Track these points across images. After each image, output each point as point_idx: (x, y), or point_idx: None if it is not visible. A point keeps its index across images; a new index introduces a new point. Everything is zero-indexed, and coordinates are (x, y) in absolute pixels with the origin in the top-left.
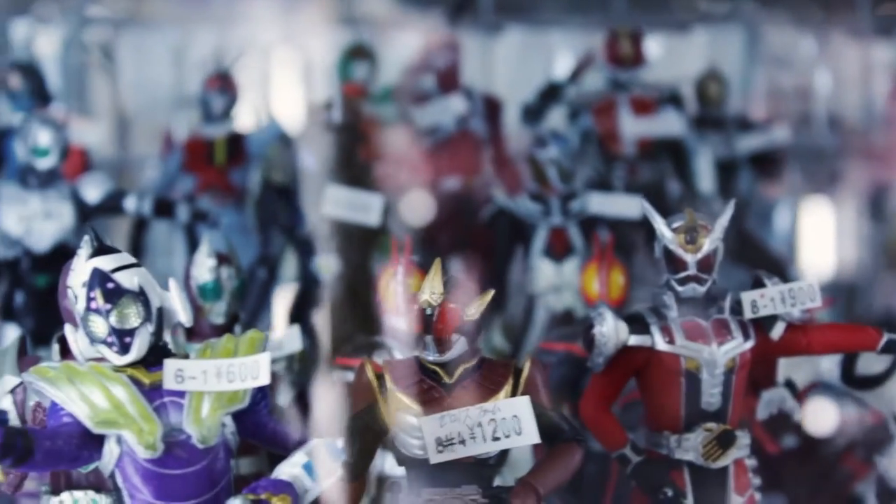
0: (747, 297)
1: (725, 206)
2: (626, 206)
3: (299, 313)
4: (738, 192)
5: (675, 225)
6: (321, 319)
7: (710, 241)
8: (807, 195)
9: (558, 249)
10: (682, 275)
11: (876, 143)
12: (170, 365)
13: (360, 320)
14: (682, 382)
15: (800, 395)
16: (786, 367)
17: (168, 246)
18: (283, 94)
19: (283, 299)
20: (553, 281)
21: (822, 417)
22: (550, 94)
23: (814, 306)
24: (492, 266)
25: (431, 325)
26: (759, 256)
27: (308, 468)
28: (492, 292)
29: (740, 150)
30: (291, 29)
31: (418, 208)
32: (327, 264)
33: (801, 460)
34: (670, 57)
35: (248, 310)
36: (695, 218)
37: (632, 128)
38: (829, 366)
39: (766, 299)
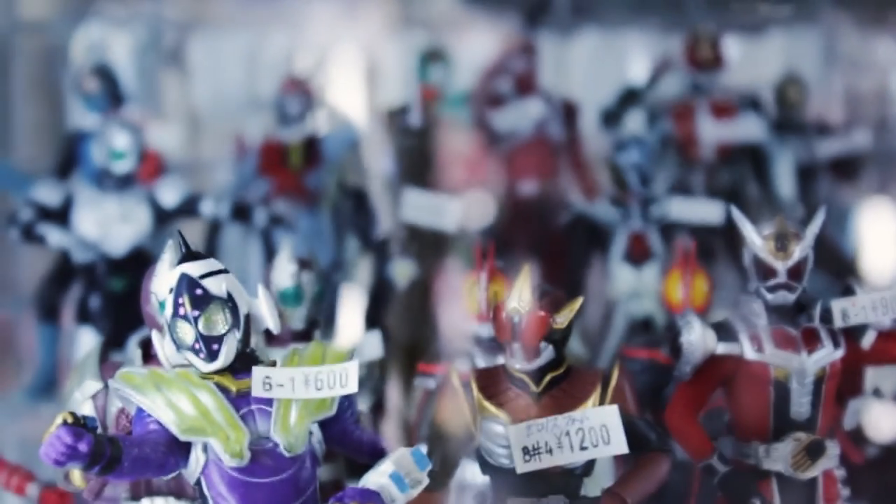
0: (837, 305)
1: (807, 213)
2: (708, 211)
3: (375, 319)
4: (817, 197)
5: (766, 232)
6: (397, 325)
7: (801, 249)
8: (883, 200)
9: (638, 255)
10: (772, 282)
11: None
12: (258, 372)
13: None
14: (770, 391)
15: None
16: (874, 376)
17: (242, 250)
18: (352, 96)
19: (359, 305)
20: (632, 286)
21: (883, 424)
22: (629, 98)
23: None
24: (569, 271)
25: (519, 332)
26: (836, 262)
27: (395, 477)
28: (580, 300)
29: (820, 155)
30: (359, 31)
31: (489, 212)
32: (404, 269)
33: (882, 469)
34: (745, 60)
35: (324, 315)
36: (785, 225)
37: (711, 132)
38: None
39: (857, 308)
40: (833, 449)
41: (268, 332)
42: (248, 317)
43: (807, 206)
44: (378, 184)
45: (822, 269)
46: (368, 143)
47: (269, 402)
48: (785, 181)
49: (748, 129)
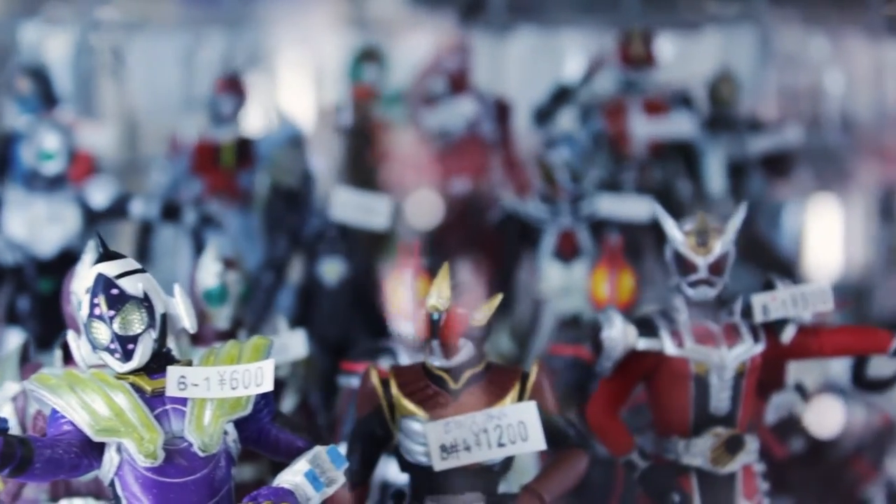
0: (758, 300)
1: (736, 208)
2: (636, 208)
3: (305, 318)
4: (748, 193)
5: (687, 227)
6: (327, 324)
7: (722, 244)
8: (817, 195)
9: (567, 252)
10: (693, 278)
11: (888, 143)
12: (173, 372)
13: (366, 325)
14: (690, 387)
15: (810, 398)
16: (796, 371)
17: (174, 250)
18: (294, 96)
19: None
20: (561, 283)
21: (828, 419)
22: (561, 95)
23: (825, 309)
24: (500, 269)
25: (438, 329)
26: (768, 258)
27: (311, 476)
28: (500, 297)
29: (752, 151)
30: (302, 31)
31: (426, 211)
32: (333, 268)
33: (809, 464)
34: (681, 57)
35: (253, 314)
36: (706, 220)
37: (643, 129)
38: (839, 369)
39: (778, 302)
40: (752, 444)
41: (193, 333)
42: (164, 316)
43: (738, 202)
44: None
45: (756, 265)
46: (312, 142)
47: (184, 401)
48: (716, 178)
49: (679, 126)
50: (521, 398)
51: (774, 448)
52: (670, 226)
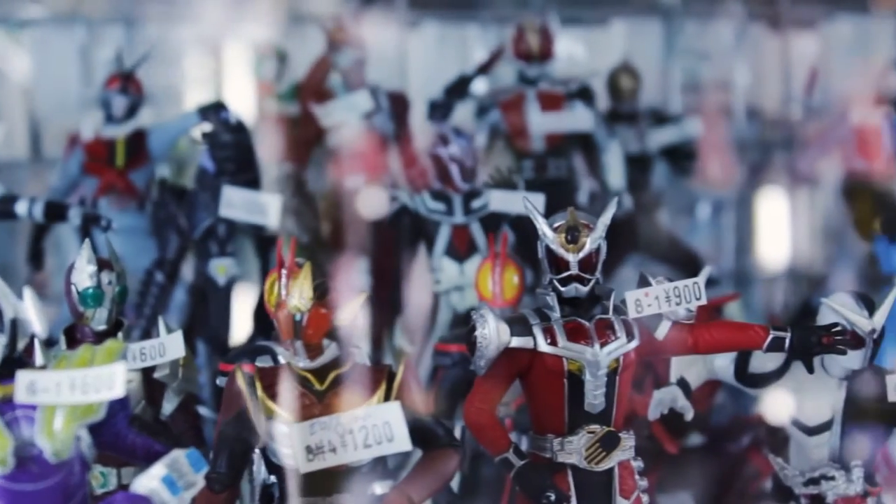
0: (631, 296)
1: (649, 201)
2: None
3: (195, 317)
4: (651, 186)
5: (557, 224)
6: (218, 323)
7: (592, 240)
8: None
9: (461, 248)
10: (564, 274)
11: (796, 134)
12: (22, 377)
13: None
14: (564, 384)
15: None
16: (679, 366)
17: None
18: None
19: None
20: (456, 280)
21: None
22: (458, 88)
23: (699, 304)
24: (395, 266)
25: (301, 330)
26: (673, 251)
27: (168, 480)
28: (364, 296)
29: (653, 144)
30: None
31: (382, 205)
32: (223, 267)
33: (705, 458)
34: (590, 51)
35: (145, 315)
36: (576, 217)
37: (539, 123)
38: (723, 363)
39: (651, 298)
40: (628, 441)
41: (71, 336)
42: (14, 321)
43: (640, 196)
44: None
45: (661, 260)
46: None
47: (34, 407)
48: (615, 171)
49: (576, 119)
50: (387, 398)
51: (666, 444)
52: (541, 222)
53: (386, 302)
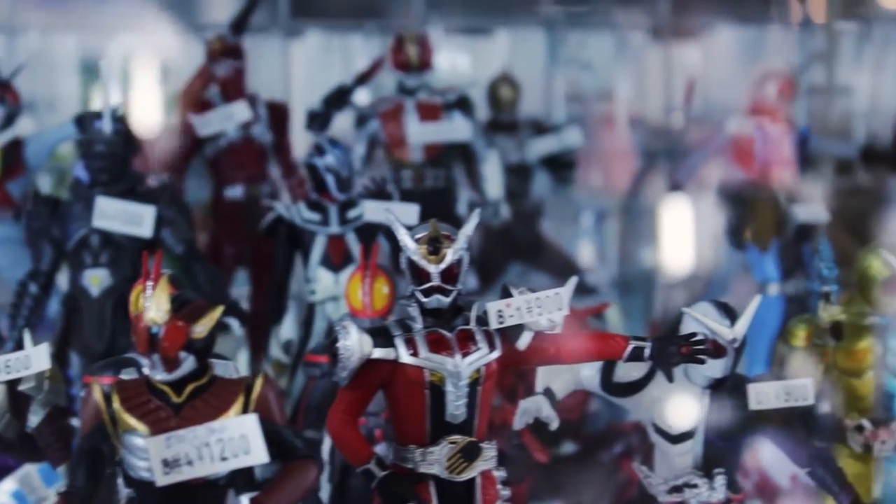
0: (493, 307)
1: (530, 210)
2: (403, 214)
3: (69, 329)
4: (531, 195)
5: (418, 235)
6: (91, 335)
7: (454, 252)
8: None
9: (336, 258)
10: (426, 286)
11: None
12: None
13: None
14: (426, 395)
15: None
16: (545, 376)
17: None
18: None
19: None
20: (331, 290)
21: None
22: (336, 99)
23: (561, 314)
24: (272, 275)
25: (158, 343)
26: (553, 260)
27: (18, 496)
28: (220, 309)
29: (532, 154)
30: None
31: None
32: (97, 277)
33: (578, 466)
34: (475, 61)
35: (19, 326)
36: (438, 228)
37: (418, 133)
38: (589, 373)
39: (512, 309)
40: (490, 451)
41: None
42: None
43: (520, 205)
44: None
45: (541, 268)
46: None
47: None
48: (493, 181)
49: (454, 129)
50: (245, 411)
51: (536, 452)
52: (402, 234)
53: (262, 312)
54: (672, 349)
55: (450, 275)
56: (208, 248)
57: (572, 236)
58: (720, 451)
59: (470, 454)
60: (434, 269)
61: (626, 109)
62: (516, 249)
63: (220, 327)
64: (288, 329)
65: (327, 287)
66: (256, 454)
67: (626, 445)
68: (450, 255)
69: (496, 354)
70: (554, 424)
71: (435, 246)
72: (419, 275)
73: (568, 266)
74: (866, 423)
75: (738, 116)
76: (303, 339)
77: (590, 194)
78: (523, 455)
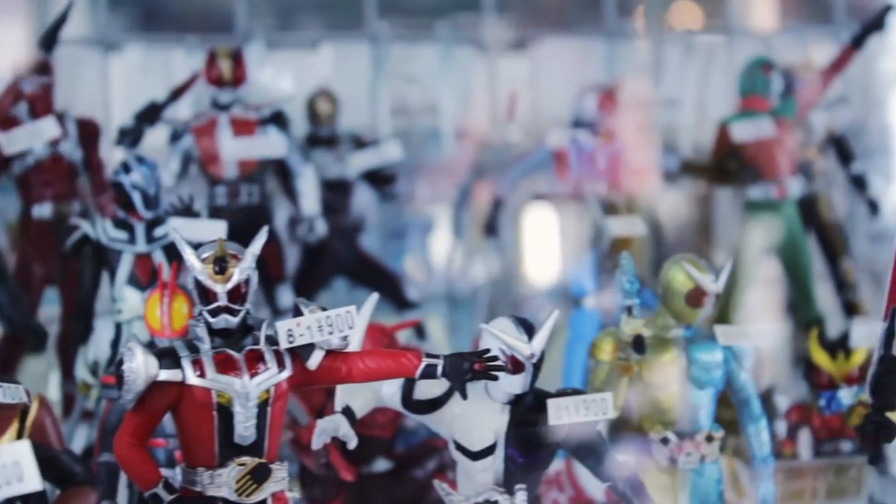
0: (283, 326)
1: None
2: (210, 230)
3: None
4: (352, 210)
5: (205, 255)
6: None
7: (241, 271)
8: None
9: (143, 277)
10: (213, 306)
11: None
12: None
13: None
14: (214, 417)
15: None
16: (344, 394)
17: None
18: None
19: None
20: (138, 310)
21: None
22: (148, 114)
23: (352, 333)
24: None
25: None
26: (374, 275)
27: None
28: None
29: (351, 169)
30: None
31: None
32: None
33: (392, 484)
34: (298, 75)
35: None
36: (224, 247)
37: (231, 149)
38: (389, 391)
39: (303, 328)
40: (280, 472)
41: None
42: None
43: (340, 220)
44: None
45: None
46: None
47: None
48: (308, 197)
49: (269, 145)
50: (20, 436)
51: (342, 471)
52: (188, 253)
53: (70, 332)
54: (465, 366)
55: (237, 294)
56: (17, 267)
57: (399, 251)
58: (521, 467)
59: (259, 476)
60: (220, 289)
61: (451, 122)
62: (337, 265)
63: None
64: (95, 349)
65: (134, 307)
66: (29, 482)
67: (439, 461)
68: (237, 275)
69: (286, 374)
70: (352, 444)
71: (221, 265)
72: (206, 295)
73: (390, 281)
74: (671, 435)
75: (559, 129)
76: (110, 360)
77: (416, 208)
78: (332, 473)
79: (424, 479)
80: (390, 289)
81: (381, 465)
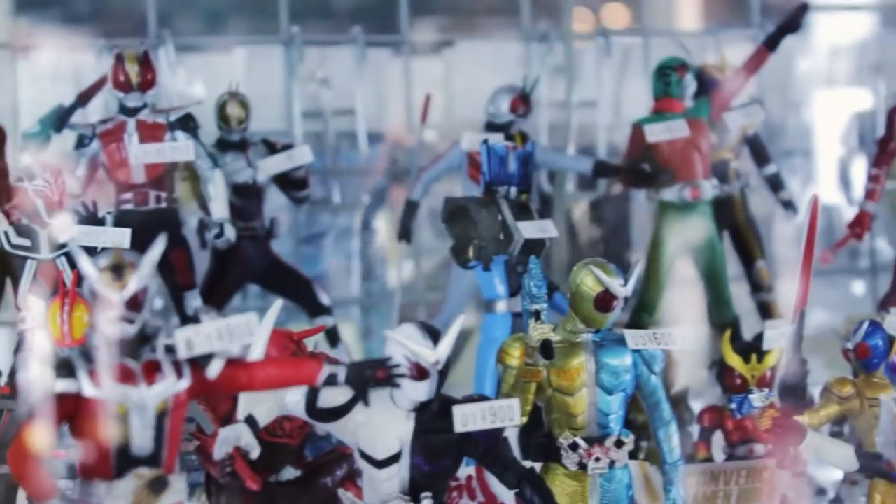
0: (181, 334)
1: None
2: (113, 238)
3: None
4: (264, 215)
5: (102, 263)
6: None
7: (138, 279)
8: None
9: (48, 285)
10: (110, 314)
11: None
12: None
13: None
14: (111, 428)
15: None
16: (248, 403)
17: None
18: None
19: None
20: (42, 318)
21: None
22: (54, 119)
23: (252, 341)
24: None
25: None
26: (286, 280)
27: None
28: None
29: (263, 173)
30: None
31: None
32: None
33: (299, 492)
34: (211, 78)
35: None
36: (121, 256)
37: (139, 154)
38: (294, 398)
39: (202, 337)
40: (178, 483)
41: None
42: None
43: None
44: None
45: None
46: None
47: None
48: (217, 201)
49: (177, 149)
50: None
51: (247, 480)
52: (83, 261)
53: None
54: (367, 373)
55: (134, 303)
56: None
57: (313, 256)
58: (427, 475)
59: (157, 487)
60: (118, 298)
61: (365, 125)
62: (249, 271)
63: None
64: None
65: (37, 315)
66: None
67: (348, 469)
68: (134, 283)
69: (184, 384)
70: (254, 453)
71: (118, 273)
72: (103, 303)
73: (304, 286)
74: (580, 440)
75: (471, 132)
76: (12, 370)
77: (332, 212)
78: (237, 483)
79: (333, 487)
80: (303, 294)
81: (290, 472)
